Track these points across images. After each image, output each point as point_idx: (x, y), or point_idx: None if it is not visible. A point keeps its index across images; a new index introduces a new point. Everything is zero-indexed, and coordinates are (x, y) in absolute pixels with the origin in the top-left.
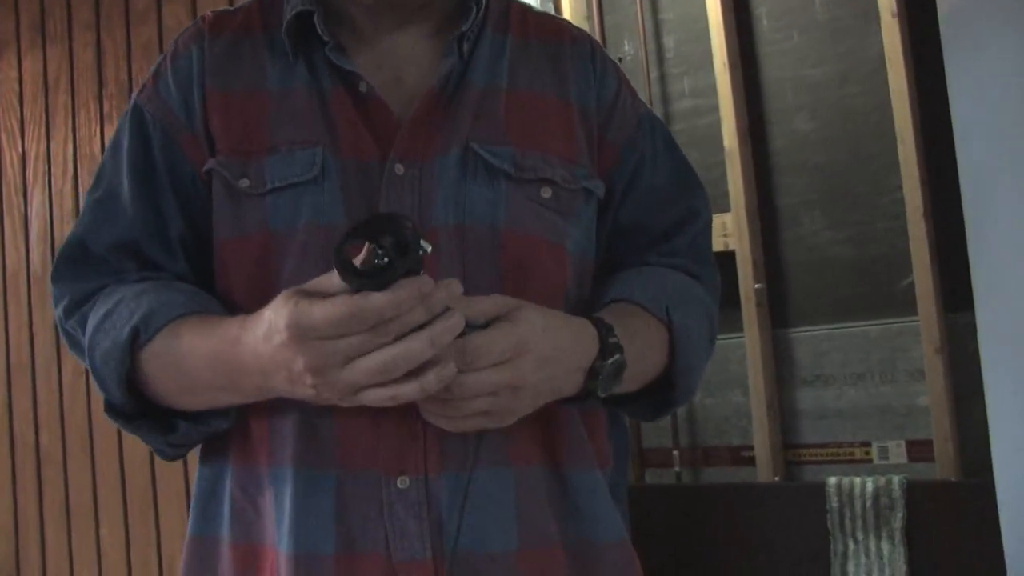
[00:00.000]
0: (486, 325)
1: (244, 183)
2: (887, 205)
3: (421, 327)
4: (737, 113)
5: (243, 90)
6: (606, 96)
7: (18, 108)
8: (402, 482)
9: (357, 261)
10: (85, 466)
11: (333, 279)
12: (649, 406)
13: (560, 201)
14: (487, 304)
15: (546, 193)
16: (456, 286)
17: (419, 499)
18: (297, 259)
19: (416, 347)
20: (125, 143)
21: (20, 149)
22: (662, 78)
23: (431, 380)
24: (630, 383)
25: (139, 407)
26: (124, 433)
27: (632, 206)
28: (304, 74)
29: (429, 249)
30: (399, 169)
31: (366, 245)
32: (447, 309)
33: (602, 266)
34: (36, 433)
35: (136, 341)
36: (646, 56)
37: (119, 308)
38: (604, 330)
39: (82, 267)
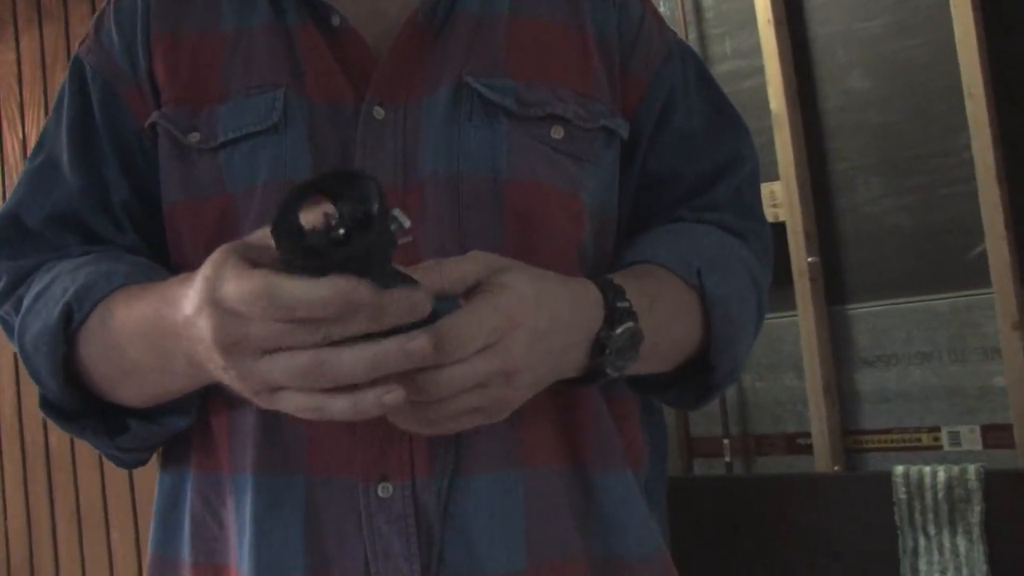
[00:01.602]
0: (465, 295)
1: (193, 137)
2: (954, 167)
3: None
4: (784, 74)
5: (194, 32)
6: (628, 23)
7: (18, 92)
8: (383, 489)
9: (306, 223)
10: (94, 468)
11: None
12: (688, 391)
13: (574, 142)
14: (464, 267)
15: (557, 133)
16: (421, 299)
17: (404, 510)
18: (256, 225)
19: (347, 362)
20: (65, 103)
21: (20, 134)
22: (701, 39)
23: (368, 402)
24: (656, 361)
25: (82, 403)
26: None
27: (662, 152)
28: (266, 10)
29: (407, 224)
30: (378, 112)
31: (324, 209)
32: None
33: (627, 225)
34: (45, 436)
35: (70, 321)
36: (683, 15)
37: (53, 285)
38: (610, 293)
39: (17, 244)
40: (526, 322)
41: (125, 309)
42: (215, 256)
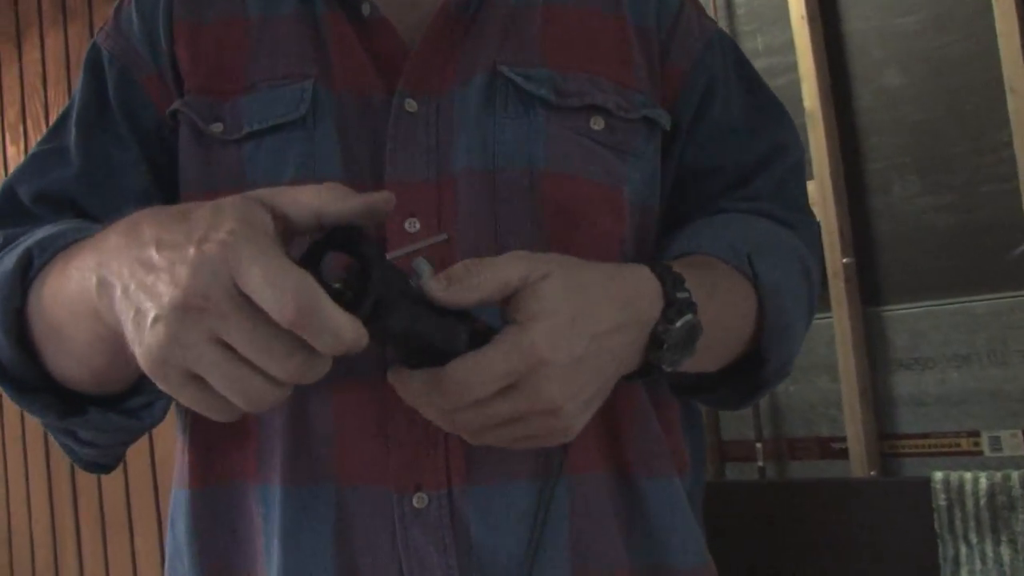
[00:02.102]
0: (504, 302)
1: (216, 127)
2: (993, 165)
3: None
4: (818, 71)
5: (217, 19)
6: (667, 11)
7: (42, 91)
8: (419, 500)
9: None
10: (118, 474)
11: (316, 194)
12: (734, 390)
13: (615, 134)
14: (502, 275)
15: (597, 124)
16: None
17: (441, 520)
18: None
19: (256, 385)
20: (80, 89)
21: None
22: (733, 35)
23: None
24: (709, 358)
25: (36, 376)
26: (155, 438)
27: (702, 143)
28: None
29: (429, 279)
30: (410, 105)
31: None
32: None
33: (665, 219)
34: None
35: (28, 270)
36: (715, 12)
37: (22, 241)
38: (669, 281)
39: (15, 217)
40: (555, 356)
41: (65, 261)
42: (245, 206)
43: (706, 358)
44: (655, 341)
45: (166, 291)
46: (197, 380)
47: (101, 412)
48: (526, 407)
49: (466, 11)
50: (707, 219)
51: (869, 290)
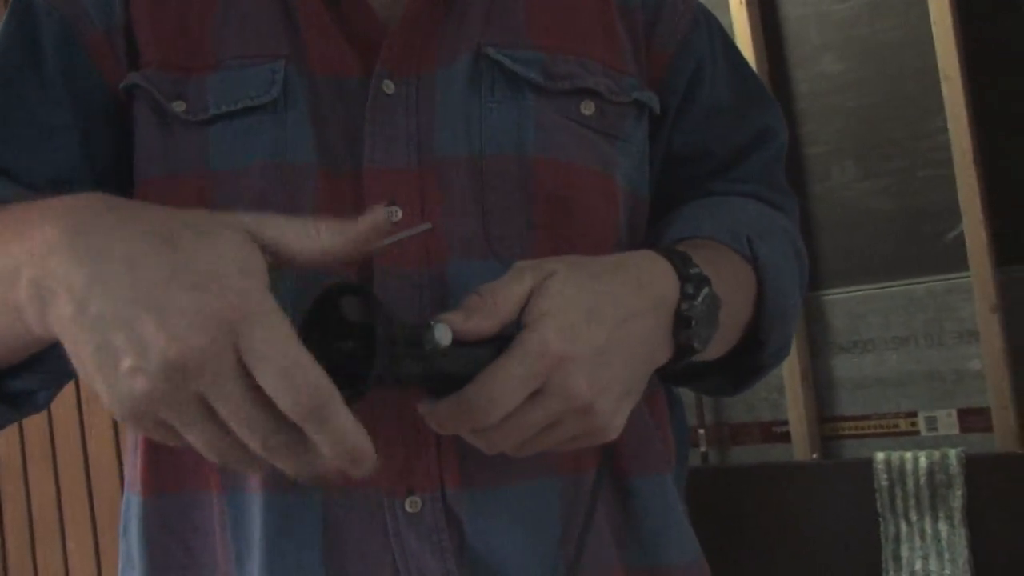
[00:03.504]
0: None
1: (178, 106)
2: (929, 151)
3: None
4: (756, 56)
5: None
6: None
7: None
8: (412, 504)
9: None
10: (47, 475)
11: (307, 234)
12: (730, 376)
13: (606, 118)
14: (511, 291)
15: (587, 109)
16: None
17: (436, 524)
18: (252, 209)
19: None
20: None
21: None
22: None
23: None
24: (719, 341)
25: None
26: (88, 438)
27: (689, 127)
28: None
29: (446, 342)
30: (388, 86)
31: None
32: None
33: (653, 203)
34: None
35: None
36: None
37: None
38: (677, 260)
39: None
40: (575, 350)
41: None
42: (240, 244)
43: (718, 342)
44: (681, 320)
45: (154, 342)
46: (171, 428)
47: None
48: (558, 407)
49: None
50: (700, 202)
51: (809, 275)
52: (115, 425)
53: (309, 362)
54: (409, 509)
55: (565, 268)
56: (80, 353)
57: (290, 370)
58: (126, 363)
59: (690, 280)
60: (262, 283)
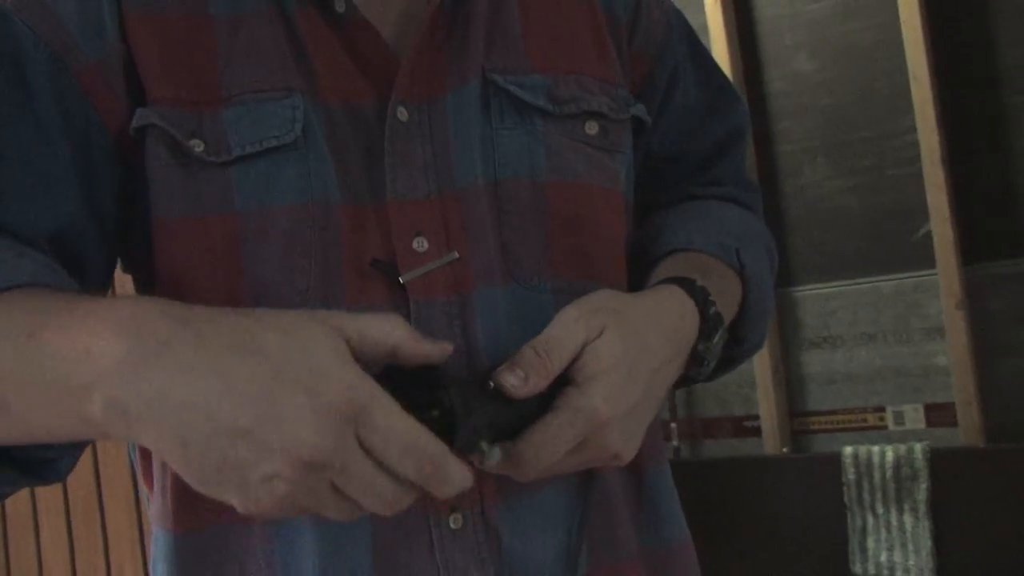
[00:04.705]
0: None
1: (197, 145)
2: (898, 150)
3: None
4: (731, 54)
5: (178, 14)
6: None
7: None
8: (455, 520)
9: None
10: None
11: (388, 332)
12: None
13: (607, 136)
14: (564, 349)
15: (591, 129)
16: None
17: (477, 538)
18: (279, 253)
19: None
20: None
21: None
22: None
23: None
24: None
25: None
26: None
27: (666, 131)
28: None
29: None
30: (402, 113)
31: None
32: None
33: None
34: None
35: None
36: None
37: None
38: (700, 298)
39: None
40: (615, 412)
41: (25, 318)
42: (331, 342)
43: None
44: (697, 359)
45: (283, 448)
46: (304, 509)
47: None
48: (591, 456)
49: (445, 6)
50: (685, 209)
51: (780, 271)
52: None
53: (425, 434)
54: (453, 526)
55: (613, 322)
56: (193, 470)
57: (412, 446)
58: (258, 473)
59: (709, 320)
60: (360, 370)
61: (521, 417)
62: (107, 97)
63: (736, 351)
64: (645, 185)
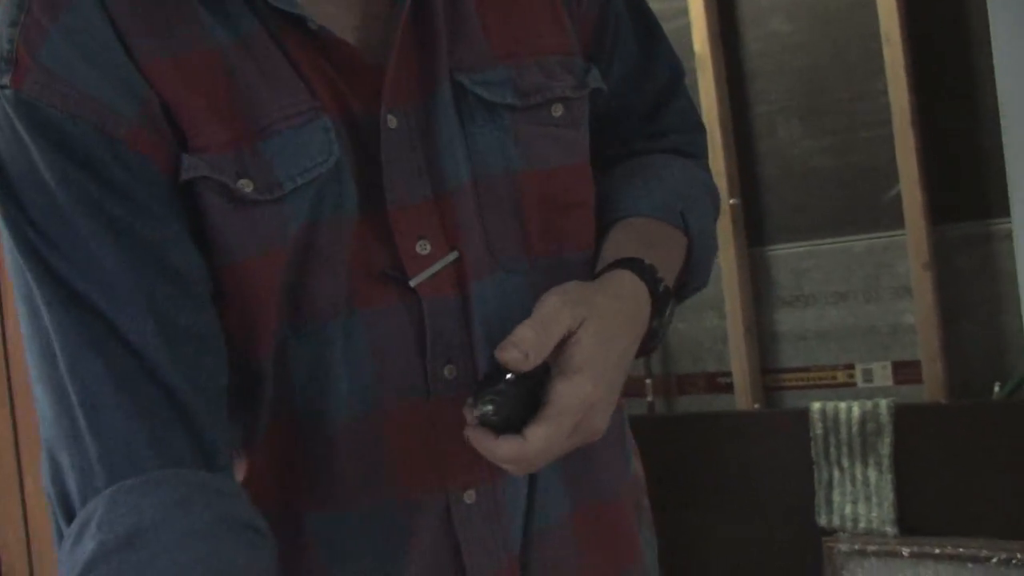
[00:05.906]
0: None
1: (246, 185)
2: (871, 112)
3: None
4: (708, 15)
5: (186, 50)
6: None
7: None
8: (469, 496)
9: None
10: (5, 419)
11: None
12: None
13: (572, 113)
14: (562, 328)
15: (556, 111)
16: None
17: (490, 510)
18: (326, 268)
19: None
20: (47, 180)
21: None
22: None
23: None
24: None
25: None
26: None
27: (612, 87)
28: (244, 13)
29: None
30: (391, 121)
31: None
32: None
33: None
34: None
35: None
36: None
37: None
38: (648, 278)
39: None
40: (601, 394)
41: None
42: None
43: None
44: (652, 334)
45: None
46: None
47: None
48: (581, 440)
49: (414, 8)
50: (628, 169)
51: (754, 230)
52: None
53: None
54: (467, 501)
55: (591, 313)
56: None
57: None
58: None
59: (660, 298)
60: None
61: (514, 407)
62: (160, 148)
63: (682, 291)
64: (594, 142)
